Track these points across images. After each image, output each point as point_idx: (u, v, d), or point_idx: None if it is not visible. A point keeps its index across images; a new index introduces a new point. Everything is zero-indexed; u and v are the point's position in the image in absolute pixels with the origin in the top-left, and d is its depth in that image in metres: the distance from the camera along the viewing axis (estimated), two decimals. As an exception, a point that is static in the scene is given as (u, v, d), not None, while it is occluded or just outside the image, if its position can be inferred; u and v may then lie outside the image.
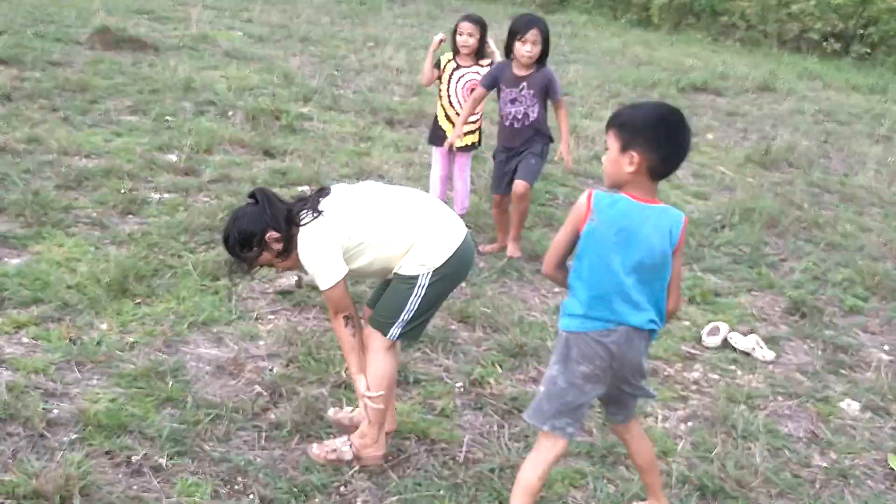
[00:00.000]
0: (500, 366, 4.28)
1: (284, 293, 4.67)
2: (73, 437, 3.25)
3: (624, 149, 2.73)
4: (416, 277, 3.16)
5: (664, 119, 2.79)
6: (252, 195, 3.21)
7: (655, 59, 14.23)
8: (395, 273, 3.20)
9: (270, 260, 3.21)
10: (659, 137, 2.74)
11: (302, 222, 3.11)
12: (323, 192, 3.21)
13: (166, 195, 5.72)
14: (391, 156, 7.22)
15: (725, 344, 4.85)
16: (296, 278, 4.76)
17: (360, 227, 3.12)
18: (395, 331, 3.22)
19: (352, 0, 16.03)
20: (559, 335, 2.90)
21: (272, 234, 3.13)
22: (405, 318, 3.20)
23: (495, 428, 3.78)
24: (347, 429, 3.48)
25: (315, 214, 3.09)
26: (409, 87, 9.74)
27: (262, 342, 4.19)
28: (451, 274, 3.22)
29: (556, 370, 2.89)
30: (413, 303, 3.18)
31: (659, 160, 2.75)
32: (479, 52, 5.84)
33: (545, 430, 2.91)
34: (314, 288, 4.68)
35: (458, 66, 5.86)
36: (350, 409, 3.62)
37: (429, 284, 3.16)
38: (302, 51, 11.06)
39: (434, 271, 3.16)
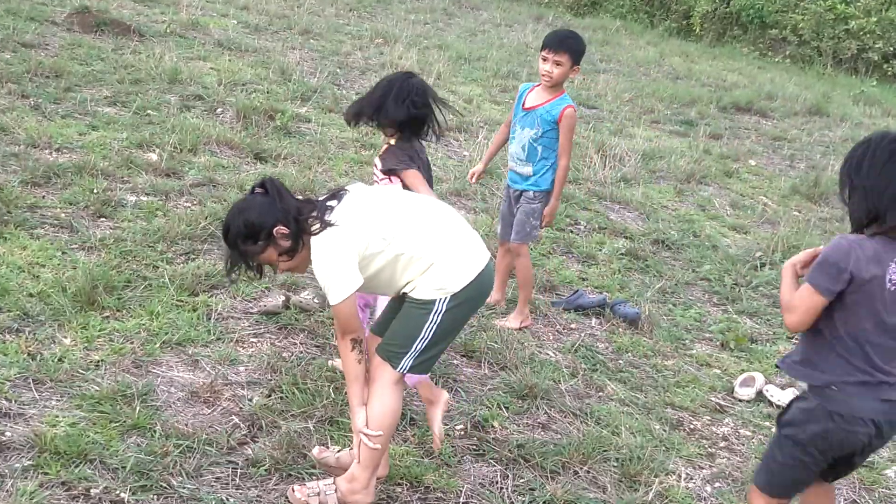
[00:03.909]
0: (507, 408, 4.29)
1: (270, 314, 4.69)
2: (26, 464, 3.26)
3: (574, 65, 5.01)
4: (433, 302, 3.18)
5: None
6: (262, 185, 3.21)
7: (695, 72, 14.30)
8: (408, 296, 3.23)
9: (273, 258, 3.20)
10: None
11: (312, 229, 3.13)
12: (339, 194, 3.23)
13: (144, 198, 5.75)
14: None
15: (760, 397, 4.86)
16: (283, 298, 4.77)
17: (377, 234, 3.14)
18: (406, 362, 3.24)
19: (360, -10, 16.13)
20: None
21: (281, 230, 3.13)
22: (418, 347, 3.22)
23: (498, 478, 3.78)
24: (333, 470, 3.48)
25: (323, 226, 3.11)
26: (420, 91, 9.78)
27: (242, 368, 4.20)
28: (470, 301, 3.25)
29: None
30: (428, 331, 3.20)
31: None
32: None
33: None
34: (303, 310, 4.71)
35: None
36: (337, 448, 3.62)
37: (445, 311, 3.18)
38: (302, 44, 11.13)
39: (452, 296, 3.18)
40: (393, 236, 3.16)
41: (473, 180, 5.50)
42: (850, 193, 2.93)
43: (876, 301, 2.89)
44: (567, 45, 4.98)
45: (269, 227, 3.11)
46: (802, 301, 2.94)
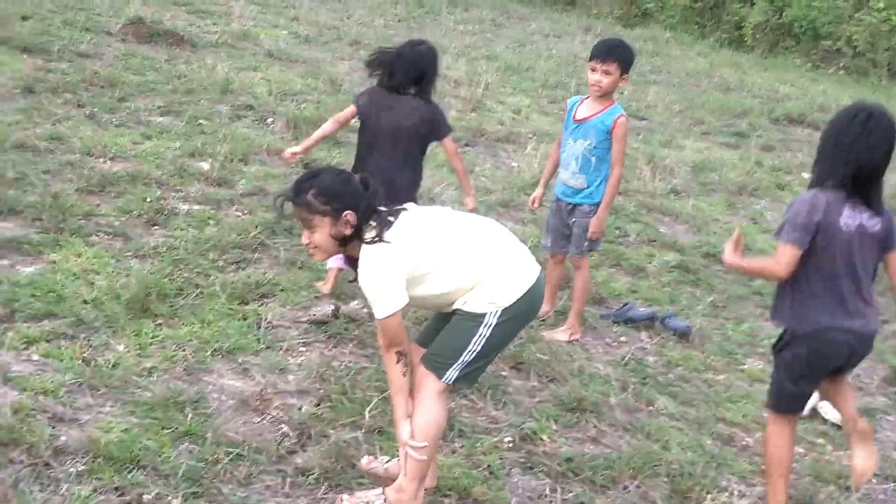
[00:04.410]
0: (556, 421, 4.27)
1: (319, 323, 4.71)
2: (80, 469, 3.30)
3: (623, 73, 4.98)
4: (483, 316, 3.20)
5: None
6: (364, 179, 3.27)
7: (746, 83, 14.17)
8: (458, 309, 3.25)
9: (326, 230, 3.18)
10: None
11: (366, 238, 3.16)
12: (397, 211, 3.26)
13: (195, 207, 5.82)
14: (445, 177, 7.25)
15: (814, 414, 4.79)
16: (332, 307, 4.80)
17: (428, 256, 3.17)
18: (451, 374, 3.25)
19: (409, 2, 16.21)
20: None
21: (351, 217, 3.16)
22: (465, 359, 3.23)
23: (547, 492, 3.76)
24: (381, 481, 3.49)
25: (377, 238, 3.14)
26: (468, 101, 9.82)
27: (291, 377, 4.22)
28: (520, 315, 3.27)
29: None
30: (476, 343, 3.21)
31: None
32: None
33: None
34: (352, 320, 4.73)
35: None
36: (385, 458, 3.63)
37: (496, 324, 3.20)
38: (351, 55, 11.19)
39: (503, 310, 3.20)
40: (442, 258, 3.20)
41: (536, 206, 5.45)
42: (844, 164, 3.48)
43: (837, 243, 3.49)
44: (616, 55, 4.97)
45: (346, 206, 3.15)
46: (783, 257, 3.49)
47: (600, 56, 4.97)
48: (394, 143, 4.70)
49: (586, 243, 5.15)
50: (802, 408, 3.91)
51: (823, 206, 3.45)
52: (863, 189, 3.49)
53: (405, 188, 4.65)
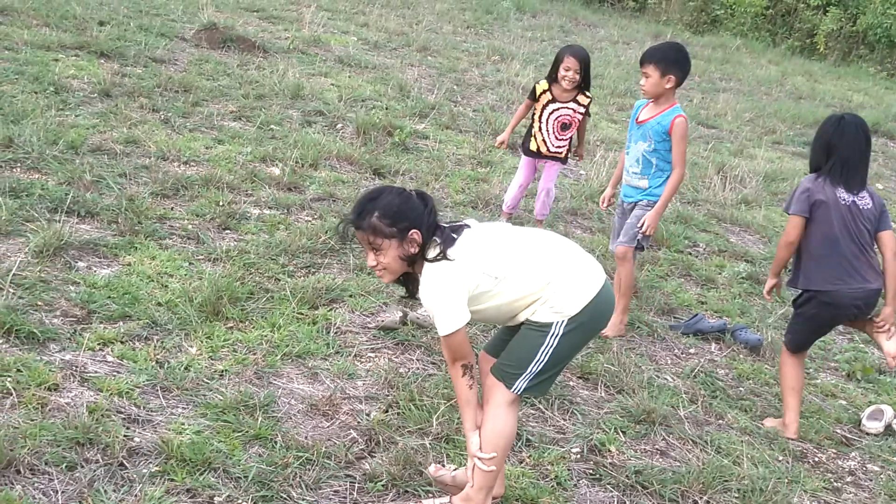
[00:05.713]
0: (624, 433, 4.23)
1: (387, 330, 4.72)
2: (153, 470, 3.34)
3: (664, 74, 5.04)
4: (550, 325, 3.18)
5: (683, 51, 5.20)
6: (420, 194, 3.24)
7: (818, 92, 13.92)
8: (526, 319, 3.23)
9: (393, 252, 3.15)
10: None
11: (429, 255, 3.15)
12: (460, 228, 3.25)
13: (266, 211, 5.87)
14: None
15: (889, 431, 4.67)
16: (400, 314, 4.81)
17: (489, 275, 3.16)
18: (520, 384, 3.23)
19: (477, 8, 16.21)
20: None
21: (415, 235, 3.14)
22: (534, 370, 3.21)
23: (615, 504, 3.72)
24: (449, 489, 3.48)
25: (441, 255, 3.13)
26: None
27: (360, 382, 4.24)
28: (587, 323, 3.23)
29: None
30: (544, 353, 3.19)
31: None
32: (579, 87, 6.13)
33: None
34: (420, 326, 4.73)
35: (554, 100, 6.14)
36: (453, 467, 3.62)
37: (562, 334, 3.18)
38: (420, 61, 11.24)
39: (569, 319, 3.17)
40: (504, 275, 3.17)
41: (605, 205, 5.56)
42: (827, 156, 4.43)
43: (835, 212, 4.33)
44: (648, 56, 5.12)
45: (411, 226, 3.12)
46: (790, 225, 4.43)
47: (641, 61, 5.13)
48: None
49: (638, 235, 5.12)
50: (809, 347, 4.74)
51: (820, 187, 4.37)
52: (845, 175, 4.38)
53: None
